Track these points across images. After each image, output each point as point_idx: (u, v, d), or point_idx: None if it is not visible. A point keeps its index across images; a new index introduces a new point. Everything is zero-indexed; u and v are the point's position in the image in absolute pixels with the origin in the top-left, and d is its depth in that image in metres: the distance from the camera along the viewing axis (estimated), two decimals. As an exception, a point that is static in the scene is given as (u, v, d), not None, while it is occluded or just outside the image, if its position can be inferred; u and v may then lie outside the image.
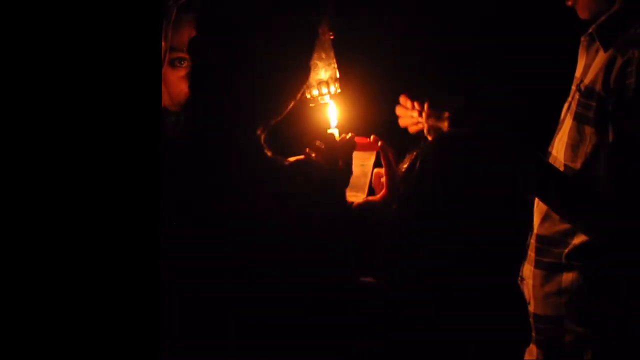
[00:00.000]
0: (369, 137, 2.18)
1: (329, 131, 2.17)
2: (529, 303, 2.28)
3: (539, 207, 2.29)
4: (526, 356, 2.26)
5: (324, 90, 2.12)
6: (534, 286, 2.28)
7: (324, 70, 2.12)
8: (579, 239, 2.18)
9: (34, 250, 1.57)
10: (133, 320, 1.62)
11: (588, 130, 2.13)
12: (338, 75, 2.13)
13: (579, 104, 2.18)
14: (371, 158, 2.19)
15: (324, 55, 2.10)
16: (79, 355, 1.59)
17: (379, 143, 2.16)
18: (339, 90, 2.13)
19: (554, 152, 2.25)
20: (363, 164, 2.19)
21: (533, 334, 2.27)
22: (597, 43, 2.19)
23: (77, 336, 1.59)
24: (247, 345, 1.84)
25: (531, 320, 2.25)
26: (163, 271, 1.66)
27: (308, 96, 2.10)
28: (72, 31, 1.59)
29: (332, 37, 2.12)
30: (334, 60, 2.13)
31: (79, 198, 1.59)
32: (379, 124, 2.32)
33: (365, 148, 2.19)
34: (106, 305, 1.61)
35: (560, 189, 2.15)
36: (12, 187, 1.57)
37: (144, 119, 1.64)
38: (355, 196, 2.17)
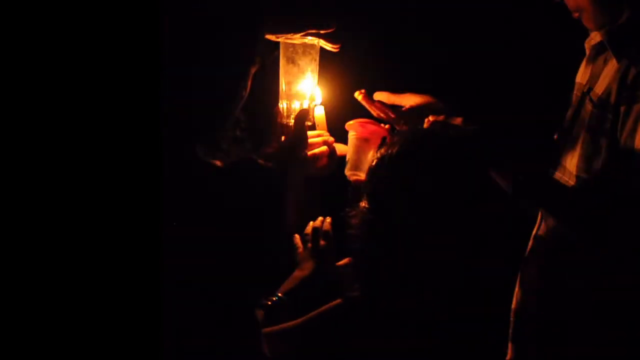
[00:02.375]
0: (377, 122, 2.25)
1: (315, 107, 2.22)
2: (523, 302, 2.25)
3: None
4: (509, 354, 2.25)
5: (296, 104, 2.17)
6: (530, 287, 2.25)
7: (301, 83, 2.17)
8: (592, 246, 2.15)
9: (35, 250, 1.61)
10: (133, 321, 1.65)
11: (604, 142, 2.10)
12: (315, 92, 2.18)
13: (592, 115, 2.15)
14: (373, 140, 2.24)
15: (297, 69, 2.15)
16: (80, 355, 1.63)
17: (387, 127, 2.23)
18: (314, 104, 2.19)
19: (562, 161, 2.22)
20: (363, 145, 2.25)
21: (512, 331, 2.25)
22: (607, 52, 2.17)
23: (78, 336, 1.62)
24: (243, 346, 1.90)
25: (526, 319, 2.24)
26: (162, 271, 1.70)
27: (282, 107, 2.16)
28: (72, 32, 1.64)
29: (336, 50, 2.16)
30: (316, 76, 2.18)
31: (79, 200, 1.63)
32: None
33: (369, 129, 2.25)
34: (107, 305, 1.64)
35: (569, 201, 2.14)
36: (15, 189, 1.61)
37: (144, 120, 1.68)
38: (355, 175, 2.23)
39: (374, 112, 2.33)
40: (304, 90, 2.18)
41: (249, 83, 1.97)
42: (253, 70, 1.97)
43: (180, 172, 1.86)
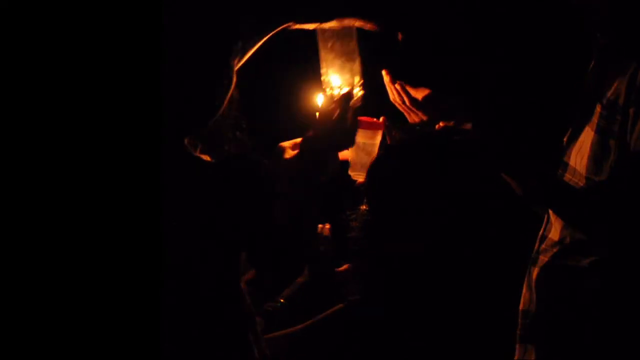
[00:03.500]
0: (376, 118, 2.22)
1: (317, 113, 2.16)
2: (531, 303, 2.24)
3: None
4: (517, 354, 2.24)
5: (337, 90, 2.10)
6: (537, 288, 2.24)
7: (342, 68, 2.09)
8: (602, 247, 2.14)
9: (36, 251, 1.60)
10: (132, 322, 1.65)
11: (613, 143, 2.10)
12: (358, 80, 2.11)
13: (601, 116, 2.14)
14: (376, 138, 2.22)
15: (335, 54, 2.07)
16: (79, 355, 1.62)
17: (385, 122, 2.20)
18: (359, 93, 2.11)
19: (571, 162, 2.22)
20: (366, 143, 2.22)
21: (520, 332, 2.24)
22: (615, 54, 2.16)
23: (77, 337, 1.62)
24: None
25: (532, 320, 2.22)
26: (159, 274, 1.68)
27: (328, 92, 2.09)
28: (73, 32, 1.63)
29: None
30: (357, 58, 2.09)
31: (78, 200, 1.63)
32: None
33: (371, 127, 2.23)
34: (106, 307, 1.64)
35: (579, 203, 2.14)
36: (15, 191, 1.60)
37: (144, 121, 1.67)
38: (358, 175, 2.20)
39: (392, 95, 2.29)
40: (346, 74, 2.11)
41: (234, 77, 1.94)
42: (235, 62, 1.92)
43: (178, 170, 1.84)
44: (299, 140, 2.12)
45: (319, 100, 2.17)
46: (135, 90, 1.67)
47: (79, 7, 1.64)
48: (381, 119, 2.26)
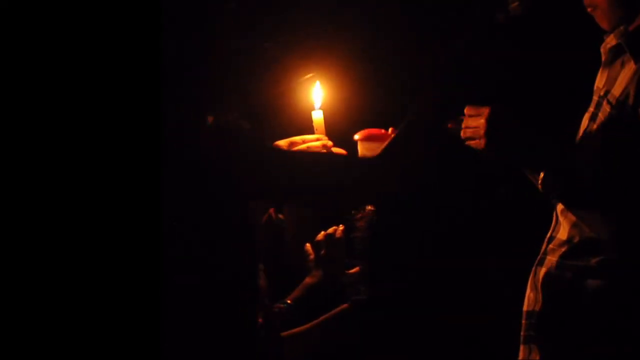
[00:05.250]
0: (384, 129, 2.21)
1: (313, 112, 2.18)
2: (535, 304, 2.23)
3: (567, 213, 2.25)
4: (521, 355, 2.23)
5: None
6: (542, 289, 2.24)
7: None
8: (611, 247, 2.14)
9: (37, 253, 1.62)
10: (132, 324, 1.65)
11: (623, 145, 2.10)
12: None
13: (610, 117, 2.15)
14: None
15: None
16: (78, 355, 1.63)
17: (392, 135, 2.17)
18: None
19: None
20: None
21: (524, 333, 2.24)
22: (623, 55, 2.17)
23: (76, 339, 1.62)
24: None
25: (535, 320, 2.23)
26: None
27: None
28: (73, 33, 1.66)
29: None
30: None
31: (78, 202, 1.64)
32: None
33: (378, 140, 2.20)
34: (106, 309, 1.64)
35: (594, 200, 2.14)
36: (14, 196, 1.61)
37: (144, 121, 1.68)
38: None
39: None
40: None
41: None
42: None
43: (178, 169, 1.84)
44: (295, 138, 2.10)
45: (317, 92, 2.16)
46: (132, 82, 1.69)
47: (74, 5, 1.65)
48: (390, 130, 2.24)
